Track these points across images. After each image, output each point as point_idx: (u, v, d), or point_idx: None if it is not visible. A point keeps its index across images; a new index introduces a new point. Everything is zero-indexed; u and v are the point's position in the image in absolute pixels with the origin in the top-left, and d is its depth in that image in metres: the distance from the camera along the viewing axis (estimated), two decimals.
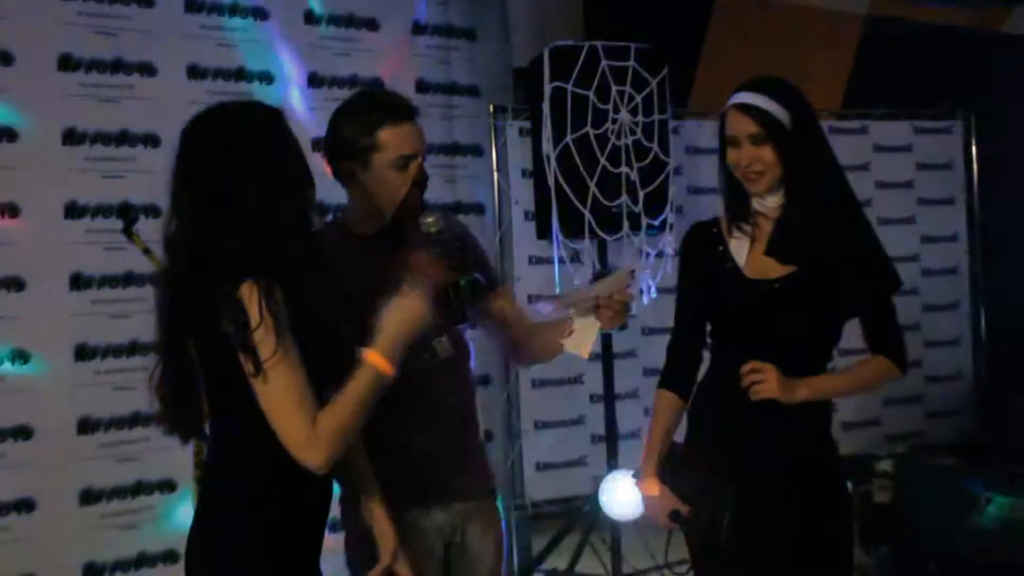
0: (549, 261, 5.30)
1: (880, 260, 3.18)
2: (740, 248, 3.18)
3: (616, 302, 3.04)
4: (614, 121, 5.17)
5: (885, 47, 6.63)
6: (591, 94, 5.10)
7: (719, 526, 3.08)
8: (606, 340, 5.36)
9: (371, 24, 5.24)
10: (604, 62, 5.14)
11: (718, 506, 3.09)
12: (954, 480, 5.38)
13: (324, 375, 2.43)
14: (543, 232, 5.16)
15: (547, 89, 5.04)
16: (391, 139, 2.97)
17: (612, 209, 5.18)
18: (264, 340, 2.32)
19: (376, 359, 2.47)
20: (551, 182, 5.04)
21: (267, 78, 4.92)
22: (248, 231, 2.38)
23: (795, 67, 6.33)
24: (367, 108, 3.04)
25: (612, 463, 5.35)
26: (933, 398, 6.61)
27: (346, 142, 3.00)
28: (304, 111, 4.95)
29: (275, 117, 2.52)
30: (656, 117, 5.29)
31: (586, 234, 5.14)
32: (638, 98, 5.23)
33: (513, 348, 3.30)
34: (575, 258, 5.30)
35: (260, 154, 2.44)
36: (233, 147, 2.43)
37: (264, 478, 2.43)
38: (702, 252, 3.23)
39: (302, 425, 2.35)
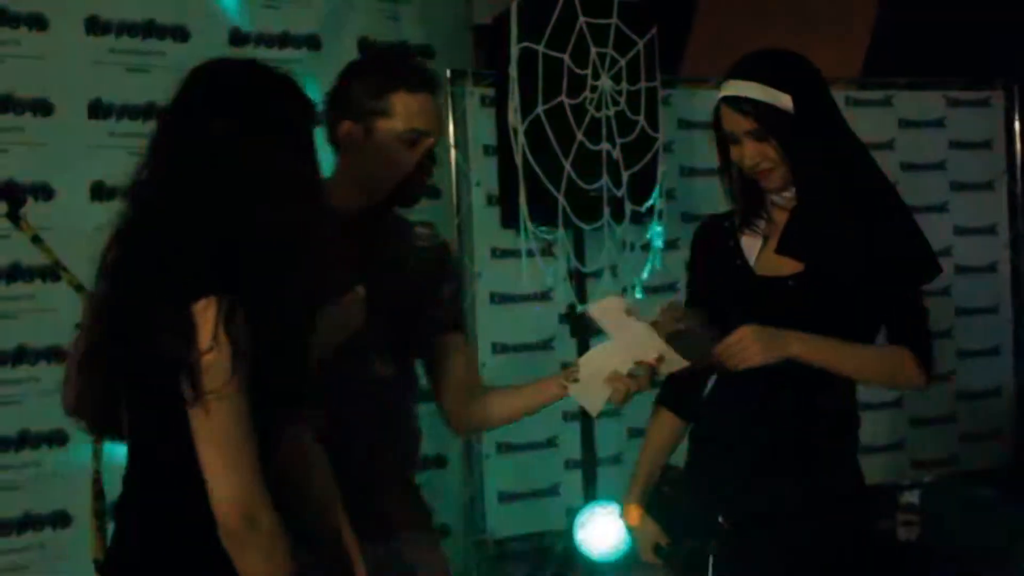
0: (516, 254, 5.30)
1: (912, 246, 3.20)
2: (752, 244, 3.23)
3: (644, 379, 3.00)
4: (593, 89, 5.19)
5: (912, 2, 6.65)
6: (566, 57, 5.12)
7: (703, 564, 3.10)
8: (583, 348, 5.36)
9: None
10: (582, 19, 5.15)
11: (704, 539, 3.11)
12: (991, 514, 5.42)
13: (283, 409, 2.42)
14: (509, 219, 5.16)
15: (514, 51, 5.05)
16: (404, 107, 2.97)
17: (590, 193, 5.19)
18: (213, 368, 2.27)
19: None
20: (519, 160, 5.05)
21: (181, 34, 4.89)
22: (226, 234, 2.33)
23: (806, 26, 6.37)
24: (383, 68, 3.04)
25: (590, 493, 5.37)
26: (967, 417, 6.66)
27: (351, 101, 2.99)
28: None
29: (300, 94, 2.49)
30: (643, 85, 5.31)
31: (560, 222, 5.15)
32: (622, 62, 5.25)
33: (447, 408, 3.26)
34: (547, 251, 5.30)
35: (267, 139, 2.39)
36: (236, 124, 2.38)
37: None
38: (711, 250, 3.28)
39: (236, 482, 2.30)
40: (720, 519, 3.10)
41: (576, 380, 3.04)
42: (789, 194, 3.16)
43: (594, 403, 3.05)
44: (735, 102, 3.08)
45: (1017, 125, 6.74)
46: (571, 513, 5.41)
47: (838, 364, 3.11)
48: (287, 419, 2.45)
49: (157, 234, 2.35)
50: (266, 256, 2.34)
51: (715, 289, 3.25)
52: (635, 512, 3.25)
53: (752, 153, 3.09)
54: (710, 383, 3.32)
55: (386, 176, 3.01)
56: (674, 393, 3.33)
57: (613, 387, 2.97)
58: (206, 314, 2.26)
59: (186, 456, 2.33)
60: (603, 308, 3.02)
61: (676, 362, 2.97)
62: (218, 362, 2.26)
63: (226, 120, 2.38)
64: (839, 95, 6.23)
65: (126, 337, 2.36)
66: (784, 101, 3.06)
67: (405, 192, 3.03)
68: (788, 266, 3.15)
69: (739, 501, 3.13)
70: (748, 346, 3.02)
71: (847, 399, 3.24)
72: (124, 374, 2.41)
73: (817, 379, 3.11)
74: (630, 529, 3.30)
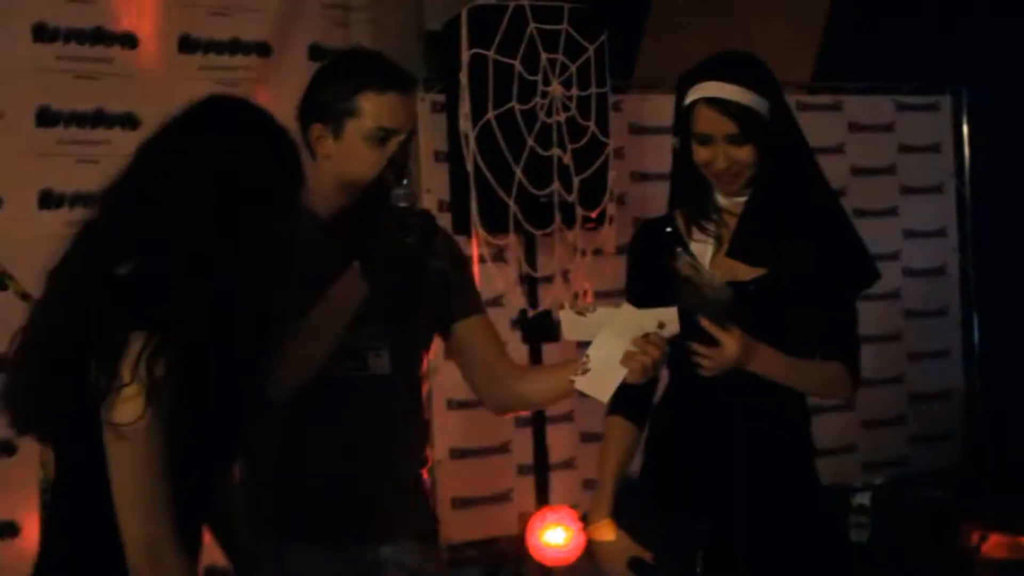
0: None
1: (852, 253, 3.24)
2: (703, 250, 3.22)
3: (655, 344, 2.96)
4: (544, 95, 5.18)
5: (862, 8, 6.68)
6: (517, 63, 5.11)
7: (693, 568, 3.11)
8: (535, 355, 5.37)
9: None
10: (532, 25, 5.15)
11: (690, 545, 3.13)
12: (942, 516, 5.45)
13: (213, 453, 2.40)
14: (460, 226, 5.15)
15: (465, 57, 5.04)
16: (372, 106, 2.99)
17: (541, 199, 5.19)
18: (124, 404, 2.23)
19: None
20: (470, 167, 5.04)
21: (130, 41, 4.86)
22: (172, 271, 2.29)
23: (757, 32, 6.40)
24: (351, 68, 3.08)
25: (542, 498, 5.37)
26: (918, 420, 6.70)
27: (321, 103, 3.03)
28: (174, 80, 4.90)
29: (276, 129, 2.47)
30: (594, 91, 5.31)
31: (511, 228, 5.14)
32: (572, 68, 5.25)
33: (481, 393, 3.30)
34: (498, 256, 5.30)
35: (246, 177, 2.37)
36: (219, 161, 2.36)
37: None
38: (655, 255, 3.23)
39: (141, 520, 2.28)
40: (703, 528, 3.13)
41: (586, 371, 2.99)
42: (741, 198, 3.18)
43: (605, 390, 2.98)
44: (719, 104, 3.08)
45: (965, 129, 6.79)
46: (523, 518, 5.41)
47: (784, 379, 3.13)
48: (222, 460, 2.43)
49: (111, 257, 2.32)
50: (206, 298, 2.30)
51: (664, 294, 3.17)
52: (607, 526, 3.24)
53: (726, 156, 3.09)
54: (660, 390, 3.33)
55: (358, 175, 3.03)
56: (626, 400, 3.27)
57: (630, 367, 2.93)
58: (133, 348, 2.23)
59: (105, 482, 2.31)
60: (569, 322, 3.02)
61: (673, 323, 2.94)
62: (134, 398, 2.23)
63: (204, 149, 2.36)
64: (790, 100, 6.31)
65: (57, 351, 2.33)
66: (762, 106, 3.08)
67: (379, 190, 3.02)
68: (744, 271, 3.16)
69: (707, 503, 3.16)
70: (730, 354, 3.02)
71: (798, 400, 3.25)
72: (51, 385, 2.37)
73: (754, 381, 3.12)
74: (599, 544, 3.26)
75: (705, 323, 2.99)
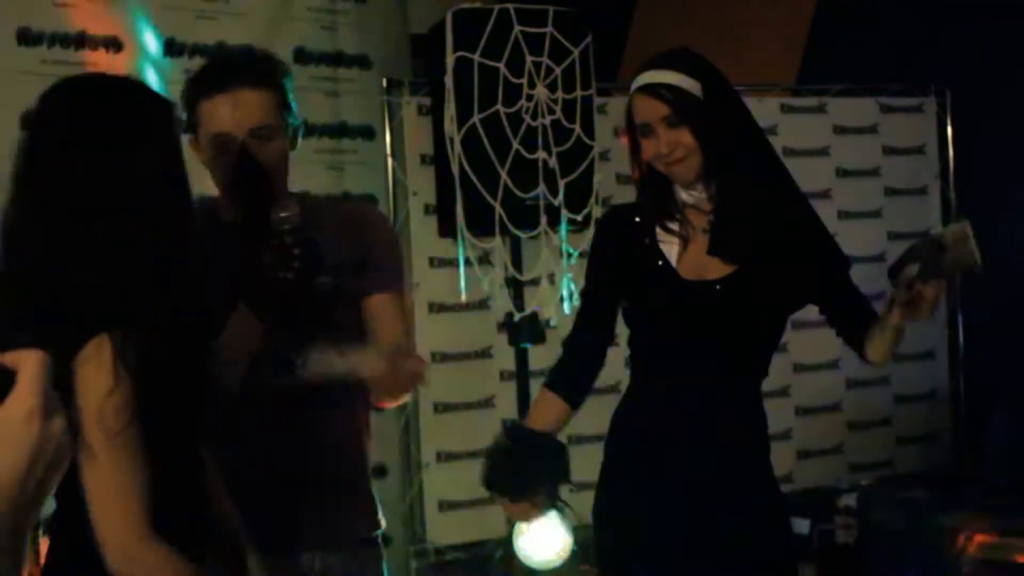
0: (453, 263, 5.29)
1: (827, 237, 3.32)
2: (670, 244, 3.24)
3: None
4: (529, 98, 5.17)
5: (846, 10, 6.69)
6: (502, 66, 5.10)
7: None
8: (521, 356, 5.36)
9: None
10: (517, 28, 5.14)
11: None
12: (927, 517, 5.45)
13: (174, 441, 2.37)
14: (446, 229, 5.15)
15: (450, 60, 5.04)
16: (205, 115, 3.00)
17: (527, 202, 5.18)
18: (116, 411, 2.20)
19: None
20: (455, 170, 5.04)
21: (114, 45, 4.85)
22: (104, 262, 2.25)
23: (742, 35, 6.40)
24: (194, 77, 3.08)
25: None
26: (903, 421, 6.70)
27: (186, 116, 3.05)
28: (159, 84, 4.90)
29: (156, 101, 2.45)
30: (579, 93, 5.30)
31: (497, 231, 5.14)
32: (557, 71, 5.24)
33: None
34: (484, 259, 5.29)
35: (132, 152, 2.33)
36: (94, 140, 2.32)
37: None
38: (622, 244, 3.29)
39: (128, 528, 2.25)
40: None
41: None
42: (700, 192, 3.19)
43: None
44: (650, 89, 3.14)
45: (950, 130, 6.78)
46: (511, 521, 5.40)
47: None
48: (185, 437, 2.41)
49: (30, 279, 2.27)
50: (150, 279, 2.28)
51: (630, 286, 3.27)
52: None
53: (667, 141, 3.12)
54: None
55: (220, 182, 3.05)
56: (564, 378, 3.36)
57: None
58: (101, 354, 2.19)
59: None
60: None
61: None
62: (116, 408, 2.20)
63: (84, 140, 2.32)
64: (774, 102, 6.32)
65: None
66: (694, 87, 3.12)
67: (236, 196, 3.00)
68: (713, 269, 3.19)
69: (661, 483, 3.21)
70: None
71: (755, 403, 3.29)
72: None
73: (741, 364, 3.19)
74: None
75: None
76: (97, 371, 2.19)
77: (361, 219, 3.32)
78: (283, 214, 2.92)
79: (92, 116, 2.35)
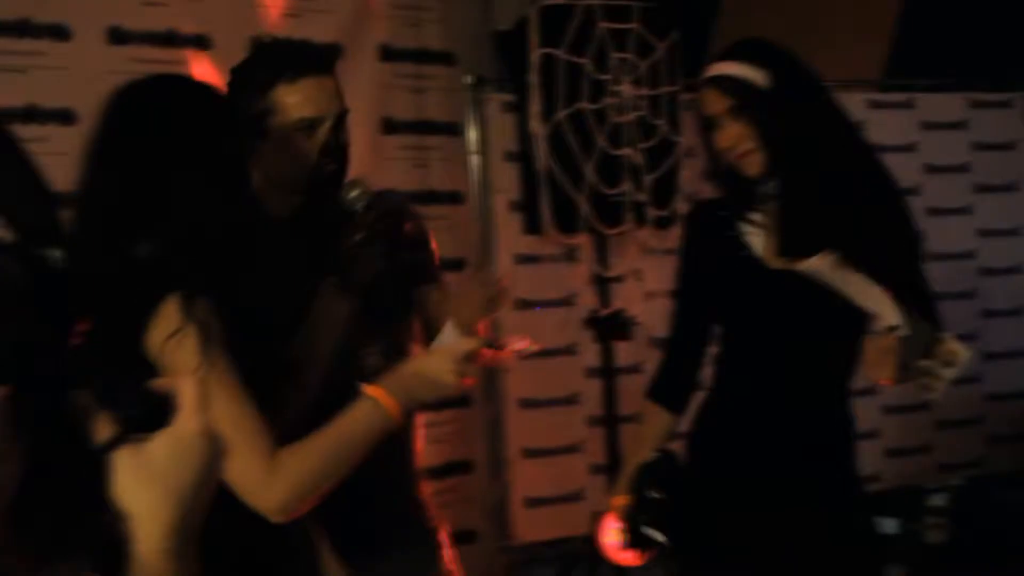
0: (539, 260, 5.29)
1: (909, 240, 3.23)
2: (756, 234, 3.21)
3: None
4: (615, 94, 5.18)
5: (934, 5, 6.63)
6: (587, 62, 5.11)
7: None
8: (606, 352, 5.36)
9: None
10: (603, 24, 5.15)
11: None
12: (1021, 516, 5.40)
13: (268, 406, 2.39)
14: (531, 226, 5.16)
15: (535, 57, 5.05)
16: (288, 99, 2.94)
17: (612, 198, 5.18)
18: (183, 352, 2.25)
19: (386, 399, 2.43)
20: (540, 166, 5.05)
21: (204, 43, 4.89)
22: (172, 232, 2.35)
23: (828, 29, 6.35)
24: (258, 65, 3.03)
25: None
26: (995, 420, 6.62)
27: (241, 110, 2.97)
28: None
29: (209, 92, 2.53)
30: (665, 89, 5.30)
31: (582, 227, 5.14)
32: (643, 66, 5.24)
33: None
34: (569, 256, 5.30)
35: (192, 135, 2.43)
36: (161, 125, 2.42)
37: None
38: (711, 236, 3.27)
39: (252, 460, 2.28)
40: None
41: None
42: (771, 188, 3.16)
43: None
44: (714, 81, 3.13)
45: None
46: (595, 517, 5.39)
47: None
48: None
49: (123, 242, 2.36)
50: (222, 252, 2.36)
51: (719, 279, 3.24)
52: (617, 503, 3.29)
53: (731, 135, 3.11)
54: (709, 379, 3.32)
55: (295, 174, 2.98)
56: (666, 387, 3.33)
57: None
58: (169, 313, 2.26)
59: None
60: (820, 265, 3.03)
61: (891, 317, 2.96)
62: (188, 344, 2.25)
63: (158, 132, 2.42)
64: (861, 98, 6.28)
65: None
66: (759, 78, 3.09)
67: (318, 181, 2.98)
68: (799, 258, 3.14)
69: (748, 495, 3.18)
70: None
71: (844, 400, 3.25)
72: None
73: (832, 363, 3.14)
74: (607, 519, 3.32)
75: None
76: (168, 323, 2.25)
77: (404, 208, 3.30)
78: (353, 192, 2.94)
79: (169, 106, 2.46)
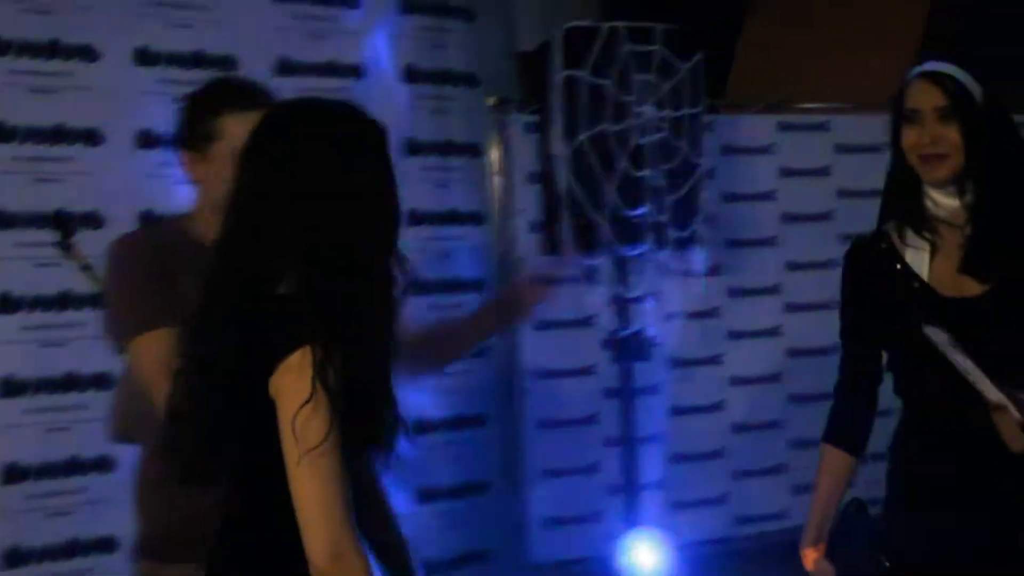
0: (559, 281, 5.32)
1: None
2: (919, 261, 3.14)
3: None
4: (637, 116, 5.21)
5: (958, 28, 6.65)
6: (610, 84, 5.15)
7: None
8: (626, 373, 5.41)
9: (350, 0, 5.28)
10: (626, 46, 5.18)
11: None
12: None
13: (361, 449, 2.46)
14: (552, 246, 5.20)
15: (557, 78, 5.09)
16: (235, 127, 3.06)
17: (633, 219, 5.22)
18: (311, 423, 2.31)
19: None
20: (562, 187, 5.09)
21: (230, 63, 4.95)
22: (322, 280, 2.37)
23: (850, 53, 6.40)
24: (212, 92, 3.22)
25: (631, 518, 5.40)
26: None
27: (187, 129, 3.17)
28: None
29: (381, 132, 2.53)
30: (686, 111, 5.33)
31: (603, 249, 5.18)
32: (665, 88, 5.27)
33: None
34: (590, 277, 5.34)
35: (362, 181, 2.44)
36: (331, 166, 2.43)
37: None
38: (876, 273, 3.20)
39: (330, 527, 2.35)
40: (885, 561, 3.12)
41: None
42: (949, 202, 3.09)
43: None
44: (932, 76, 3.06)
45: None
46: (611, 539, 5.44)
47: None
48: (371, 457, 2.51)
49: (249, 284, 2.42)
50: (355, 298, 2.37)
51: (889, 318, 3.16)
52: (810, 555, 3.22)
53: (932, 133, 3.04)
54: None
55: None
56: (841, 429, 3.28)
57: None
58: (304, 365, 2.30)
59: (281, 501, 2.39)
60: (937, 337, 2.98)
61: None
62: (317, 417, 2.30)
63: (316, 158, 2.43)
64: (882, 118, 6.28)
65: (234, 379, 2.41)
66: (976, 90, 3.04)
67: None
68: (969, 285, 3.08)
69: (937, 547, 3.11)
70: None
71: None
72: (222, 426, 2.46)
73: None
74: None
75: None
76: (298, 380, 2.30)
77: None
78: None
79: (316, 134, 2.47)
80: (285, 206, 2.39)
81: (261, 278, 2.41)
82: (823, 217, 6.18)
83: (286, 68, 5.07)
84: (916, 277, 3.12)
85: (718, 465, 5.95)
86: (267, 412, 2.35)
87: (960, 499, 3.09)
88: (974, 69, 3.08)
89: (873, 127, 6.15)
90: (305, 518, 2.34)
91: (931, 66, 3.09)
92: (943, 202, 3.10)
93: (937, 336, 2.95)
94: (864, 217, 6.03)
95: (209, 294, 2.46)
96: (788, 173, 6.13)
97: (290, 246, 2.38)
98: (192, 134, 3.16)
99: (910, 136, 3.08)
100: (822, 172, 6.20)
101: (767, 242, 6.09)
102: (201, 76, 4.76)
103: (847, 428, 3.27)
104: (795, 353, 6.12)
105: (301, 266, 2.38)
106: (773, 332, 6.12)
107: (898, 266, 3.14)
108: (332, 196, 2.40)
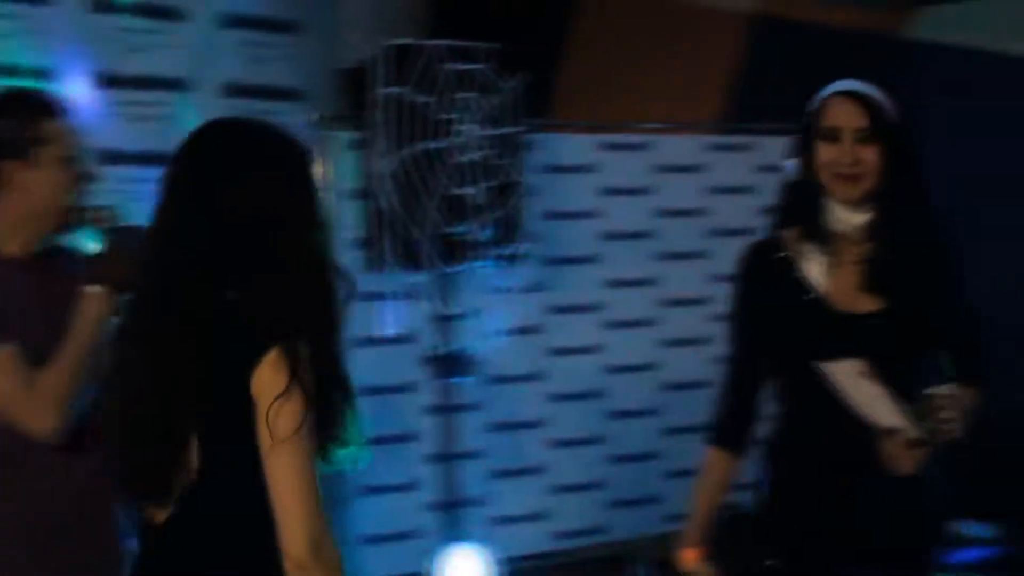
0: (379, 297, 5.33)
1: (958, 287, 3.25)
2: (816, 273, 3.18)
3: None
4: (458, 134, 5.25)
5: (774, 52, 6.80)
6: (432, 102, 5.18)
7: None
8: (447, 391, 5.43)
9: (174, 14, 5.22)
10: (448, 64, 5.22)
11: None
12: None
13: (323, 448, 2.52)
14: (373, 263, 5.20)
15: (380, 95, 5.10)
16: (58, 133, 3.18)
17: (455, 236, 5.25)
18: (289, 415, 2.40)
19: None
20: (384, 204, 5.09)
21: (46, 75, 4.86)
22: (281, 287, 2.46)
23: (672, 74, 6.51)
24: (22, 101, 3.26)
25: (451, 534, 5.42)
26: None
27: (6, 139, 3.17)
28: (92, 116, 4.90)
29: (299, 148, 2.62)
30: (508, 129, 5.39)
31: (424, 265, 5.20)
32: (487, 107, 5.32)
33: None
34: (412, 293, 5.35)
35: (298, 193, 2.55)
36: (273, 182, 2.52)
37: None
38: (769, 279, 3.23)
39: (306, 515, 2.42)
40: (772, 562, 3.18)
41: None
42: (857, 219, 3.13)
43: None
44: (854, 95, 3.09)
45: None
46: (429, 555, 5.45)
47: None
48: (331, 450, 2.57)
49: (214, 287, 2.48)
50: (314, 296, 2.49)
51: (781, 324, 3.20)
52: (691, 555, 3.26)
53: (851, 154, 3.06)
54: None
55: (54, 202, 3.21)
56: (724, 431, 3.32)
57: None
58: (280, 362, 2.40)
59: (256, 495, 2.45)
60: (841, 370, 3.05)
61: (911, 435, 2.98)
62: (294, 406, 2.40)
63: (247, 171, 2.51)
64: (701, 139, 6.39)
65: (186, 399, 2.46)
66: (893, 112, 3.11)
67: (71, 215, 3.25)
68: (864, 301, 3.14)
69: (811, 551, 3.18)
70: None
71: None
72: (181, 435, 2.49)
73: None
74: (684, 575, 3.29)
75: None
76: (275, 376, 2.40)
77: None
78: (91, 227, 3.34)
79: (250, 150, 2.56)
80: (227, 219, 2.47)
81: (206, 287, 2.47)
82: (644, 235, 6.26)
83: (109, 80, 5.00)
84: (812, 288, 3.16)
85: (538, 480, 5.99)
86: (238, 411, 2.43)
87: (837, 507, 3.16)
88: (888, 94, 3.15)
89: (691, 148, 6.33)
90: (284, 510, 2.43)
91: (851, 85, 3.13)
92: (847, 219, 3.16)
93: (843, 367, 3.04)
94: (685, 236, 6.23)
95: (145, 306, 2.54)
96: (610, 192, 6.20)
97: (234, 256, 2.47)
98: (12, 142, 3.15)
99: (828, 153, 3.11)
100: (643, 191, 6.28)
101: (589, 259, 6.14)
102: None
103: (729, 429, 3.31)
104: (616, 370, 6.19)
105: (252, 273, 2.46)
106: (594, 349, 6.18)
107: (793, 275, 3.18)
108: (271, 208, 2.49)
